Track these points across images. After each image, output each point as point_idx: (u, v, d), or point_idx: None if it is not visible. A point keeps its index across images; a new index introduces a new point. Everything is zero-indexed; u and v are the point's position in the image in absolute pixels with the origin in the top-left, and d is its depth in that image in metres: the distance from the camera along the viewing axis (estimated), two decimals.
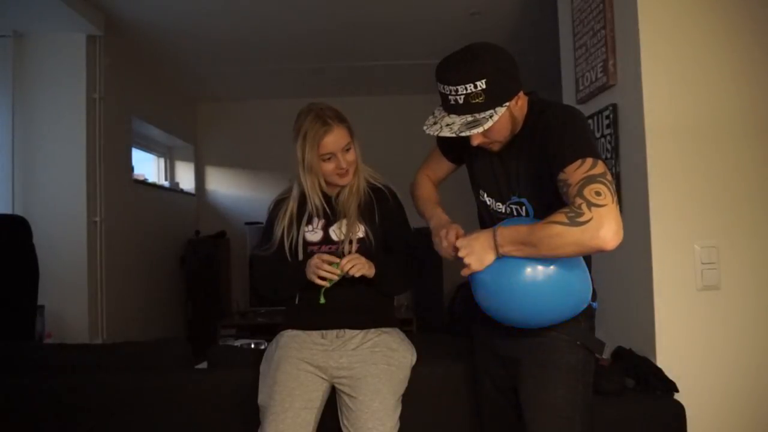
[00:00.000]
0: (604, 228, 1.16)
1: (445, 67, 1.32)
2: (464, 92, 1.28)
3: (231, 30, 3.81)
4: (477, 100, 1.28)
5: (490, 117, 1.29)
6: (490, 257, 1.30)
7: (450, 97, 1.31)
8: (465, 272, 1.34)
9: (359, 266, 1.64)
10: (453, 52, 1.33)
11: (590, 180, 1.20)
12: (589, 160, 1.23)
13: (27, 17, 3.11)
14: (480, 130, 1.29)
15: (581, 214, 1.17)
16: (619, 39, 2.08)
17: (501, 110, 1.30)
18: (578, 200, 1.19)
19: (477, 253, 1.30)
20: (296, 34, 3.93)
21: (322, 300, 1.68)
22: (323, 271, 1.63)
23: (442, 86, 1.32)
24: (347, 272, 1.63)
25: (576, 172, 1.23)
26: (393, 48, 4.25)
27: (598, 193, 1.18)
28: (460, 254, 1.33)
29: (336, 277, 1.64)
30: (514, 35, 3.95)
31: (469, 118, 1.30)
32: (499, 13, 3.64)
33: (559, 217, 1.20)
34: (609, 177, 1.22)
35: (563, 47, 2.66)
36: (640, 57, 1.91)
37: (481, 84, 1.27)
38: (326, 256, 1.66)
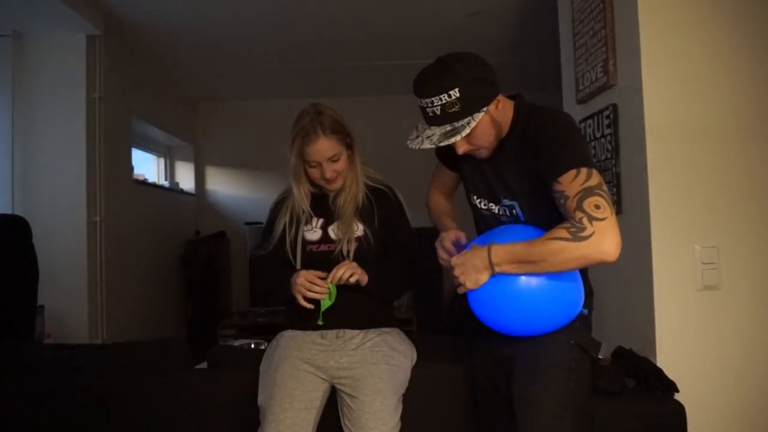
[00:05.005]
0: (607, 241, 1.18)
1: (419, 81, 1.35)
2: (440, 103, 1.30)
3: (231, 30, 3.81)
4: (453, 109, 1.30)
5: (468, 124, 1.31)
6: (484, 277, 1.30)
7: (428, 109, 1.33)
8: (461, 291, 1.35)
9: (351, 270, 1.62)
10: (425, 66, 1.36)
11: (588, 192, 1.21)
12: (584, 171, 1.25)
13: (27, 17, 3.11)
14: (458, 138, 1.31)
15: (583, 229, 1.19)
16: (619, 39, 2.08)
17: (479, 116, 1.32)
18: (578, 214, 1.20)
19: (471, 273, 1.31)
20: (296, 34, 3.93)
21: (321, 321, 1.65)
22: (311, 292, 1.61)
23: (419, 100, 1.34)
24: (341, 279, 1.61)
25: (572, 183, 1.24)
26: (393, 48, 4.25)
27: (597, 206, 1.19)
28: (455, 273, 1.34)
29: (328, 301, 1.62)
30: (514, 35, 3.94)
31: (448, 127, 1.32)
32: (499, 13, 3.64)
33: (561, 232, 1.21)
34: (605, 187, 1.24)
35: (563, 47, 2.66)
36: (640, 57, 1.91)
37: (455, 93, 1.29)
38: (309, 275, 1.62)
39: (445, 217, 1.64)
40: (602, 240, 1.18)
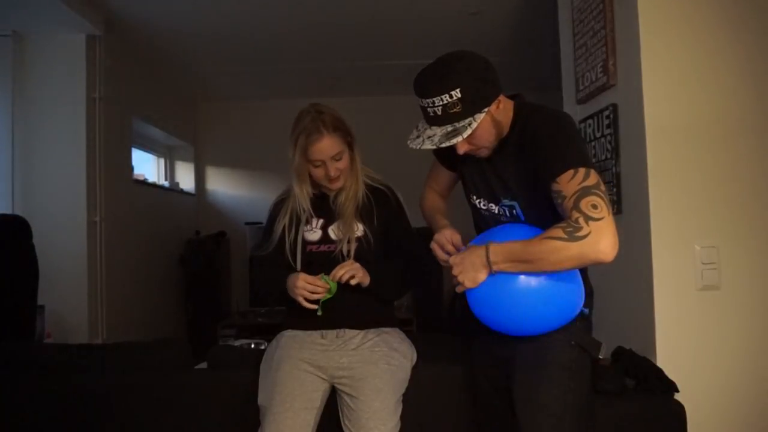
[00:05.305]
0: (603, 241, 1.17)
1: (420, 80, 1.34)
2: (441, 103, 1.29)
3: (231, 30, 3.81)
4: (455, 110, 1.29)
5: (469, 125, 1.30)
6: (482, 275, 1.30)
7: (429, 109, 1.32)
8: (459, 289, 1.36)
9: (353, 271, 1.63)
10: (426, 65, 1.35)
11: (585, 192, 1.21)
12: (582, 171, 1.24)
13: (27, 17, 3.11)
14: (459, 139, 1.30)
15: (579, 228, 1.18)
16: (619, 39, 2.08)
17: (480, 116, 1.31)
18: (575, 214, 1.19)
19: (469, 272, 1.31)
20: (296, 34, 3.93)
21: (320, 312, 1.66)
22: (309, 293, 1.62)
23: (420, 100, 1.33)
24: (341, 279, 1.62)
25: (570, 183, 1.24)
26: (393, 48, 4.25)
27: (594, 206, 1.19)
28: (453, 272, 1.34)
29: (327, 294, 1.63)
30: (514, 35, 3.94)
31: (449, 128, 1.31)
32: (499, 13, 3.63)
33: (557, 232, 1.20)
34: (603, 187, 1.24)
35: (563, 47, 2.66)
36: (640, 57, 1.91)
37: (456, 93, 1.28)
38: (309, 278, 1.64)
39: (439, 215, 1.63)
40: (598, 240, 1.17)
